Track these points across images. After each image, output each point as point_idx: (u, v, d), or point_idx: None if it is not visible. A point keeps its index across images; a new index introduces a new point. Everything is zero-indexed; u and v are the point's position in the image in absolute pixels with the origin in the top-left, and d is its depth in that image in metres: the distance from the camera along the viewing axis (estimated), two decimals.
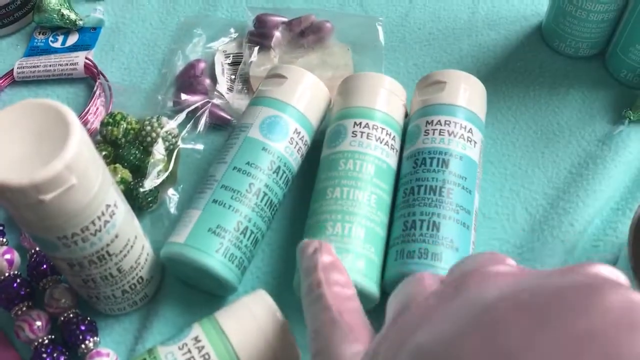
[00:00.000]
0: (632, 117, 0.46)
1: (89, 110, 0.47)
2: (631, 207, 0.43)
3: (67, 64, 0.51)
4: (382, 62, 0.51)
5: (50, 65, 0.51)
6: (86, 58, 0.51)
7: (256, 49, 0.51)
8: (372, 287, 0.36)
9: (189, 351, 0.33)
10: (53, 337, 0.38)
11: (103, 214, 0.31)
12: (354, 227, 0.37)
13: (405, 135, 0.43)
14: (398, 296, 0.23)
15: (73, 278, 0.35)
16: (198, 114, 0.48)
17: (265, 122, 0.41)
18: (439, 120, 0.40)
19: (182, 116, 0.47)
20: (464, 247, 0.37)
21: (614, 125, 0.47)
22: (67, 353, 0.37)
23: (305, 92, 0.43)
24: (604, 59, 0.50)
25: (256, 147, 0.40)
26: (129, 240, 0.35)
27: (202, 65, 0.51)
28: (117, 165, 0.44)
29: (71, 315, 0.38)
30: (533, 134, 0.47)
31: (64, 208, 0.29)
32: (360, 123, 0.41)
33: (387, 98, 0.42)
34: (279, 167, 0.40)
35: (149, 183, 0.43)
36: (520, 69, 0.50)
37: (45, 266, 0.40)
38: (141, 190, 0.43)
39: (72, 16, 0.54)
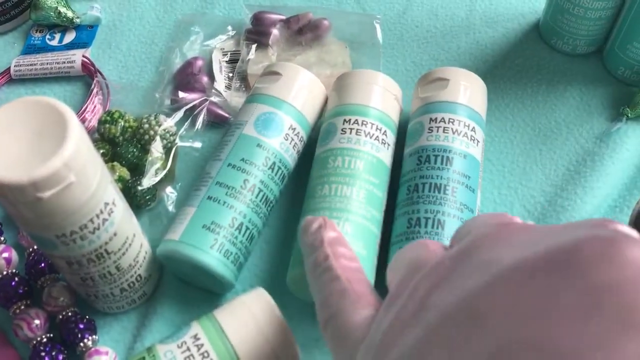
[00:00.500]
0: (629, 115, 0.46)
1: (86, 108, 0.47)
2: (629, 204, 0.43)
3: (64, 62, 0.51)
4: (380, 60, 0.51)
5: (47, 63, 0.51)
6: (83, 56, 0.51)
7: (254, 46, 0.51)
8: None
9: (188, 349, 0.33)
10: (51, 335, 0.38)
11: (101, 211, 0.31)
12: (341, 222, 0.37)
13: (406, 133, 0.43)
14: (403, 261, 0.23)
15: (71, 276, 0.35)
16: (196, 111, 0.48)
17: (260, 119, 0.41)
18: (443, 118, 0.40)
19: (179, 114, 0.47)
20: None
21: (612, 123, 0.47)
22: (65, 351, 0.37)
23: (300, 89, 0.43)
24: (602, 57, 0.50)
25: (251, 144, 0.40)
26: (128, 238, 0.35)
27: (199, 63, 0.50)
28: (115, 163, 0.43)
29: (69, 314, 0.38)
30: (531, 131, 0.47)
31: (62, 206, 0.29)
32: (350, 120, 0.41)
33: (379, 95, 0.42)
34: (274, 163, 0.40)
35: (147, 181, 0.43)
36: (518, 67, 0.50)
37: (43, 264, 0.40)
38: (139, 188, 0.42)
39: (69, 14, 0.54)
